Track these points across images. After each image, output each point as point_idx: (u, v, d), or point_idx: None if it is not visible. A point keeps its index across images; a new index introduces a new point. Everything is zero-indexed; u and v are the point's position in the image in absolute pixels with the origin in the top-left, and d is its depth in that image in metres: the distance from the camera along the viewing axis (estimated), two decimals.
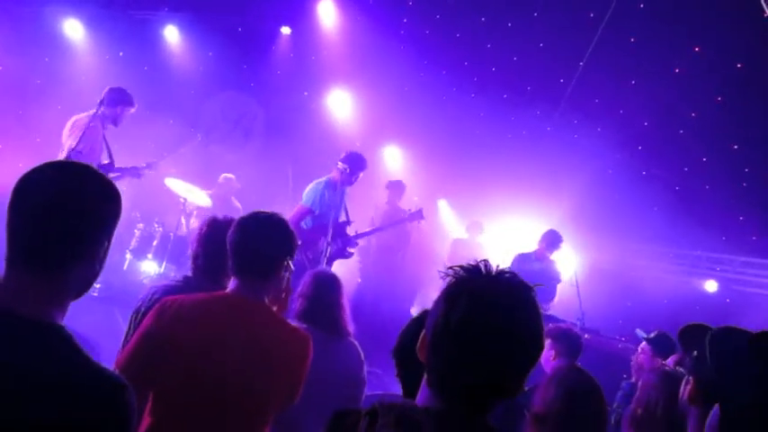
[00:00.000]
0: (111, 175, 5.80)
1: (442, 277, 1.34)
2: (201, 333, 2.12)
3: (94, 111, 5.71)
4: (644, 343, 4.65)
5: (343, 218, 6.00)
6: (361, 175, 6.05)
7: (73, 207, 1.37)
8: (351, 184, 6.00)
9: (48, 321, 1.31)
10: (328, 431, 1.36)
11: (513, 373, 1.28)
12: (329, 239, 5.64)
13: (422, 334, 1.36)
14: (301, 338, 2.32)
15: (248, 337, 2.17)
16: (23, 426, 1.20)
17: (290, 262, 2.33)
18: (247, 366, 2.13)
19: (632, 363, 4.68)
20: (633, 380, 4.56)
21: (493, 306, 1.25)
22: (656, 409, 2.79)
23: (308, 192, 5.99)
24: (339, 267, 7.61)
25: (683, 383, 1.89)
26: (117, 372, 2.03)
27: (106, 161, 5.88)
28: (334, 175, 5.99)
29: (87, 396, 1.26)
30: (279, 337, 2.26)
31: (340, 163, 5.93)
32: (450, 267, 1.33)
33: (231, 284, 2.29)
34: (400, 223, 7.03)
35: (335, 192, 5.93)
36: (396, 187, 7.95)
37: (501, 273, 1.31)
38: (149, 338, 2.12)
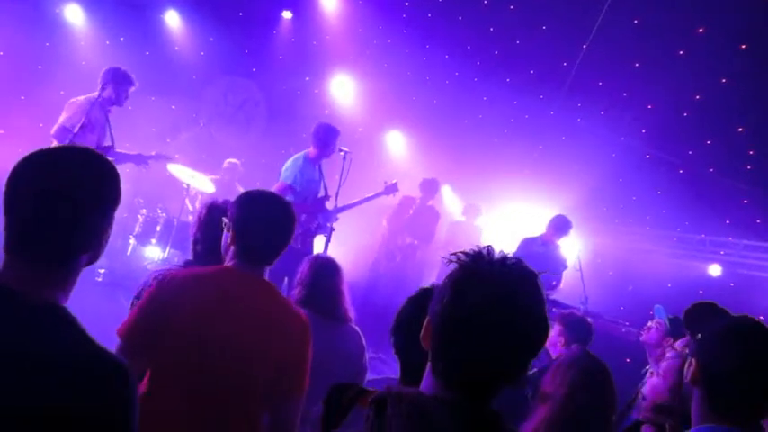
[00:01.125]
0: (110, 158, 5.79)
1: (445, 263, 1.31)
2: (202, 303, 2.12)
3: (95, 94, 5.70)
4: (659, 320, 4.63)
5: (321, 193, 6.02)
6: (337, 146, 6.04)
7: (75, 198, 1.34)
8: (328, 156, 6.02)
9: (50, 303, 1.31)
10: (327, 405, 1.35)
11: (521, 360, 1.27)
12: (320, 221, 5.71)
13: (425, 321, 1.32)
14: (300, 317, 2.30)
15: (248, 308, 2.17)
16: (22, 408, 1.19)
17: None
18: (247, 336, 2.12)
19: (642, 337, 4.66)
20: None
21: (503, 293, 1.23)
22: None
23: (287, 168, 5.97)
24: (357, 260, 7.63)
25: (687, 365, 1.88)
26: (119, 341, 2.06)
27: (108, 143, 5.88)
28: (311, 150, 6.00)
29: (88, 378, 1.25)
30: (278, 309, 2.25)
31: (315, 142, 5.96)
32: (454, 253, 1.30)
33: (231, 260, 2.27)
34: (376, 197, 6.99)
35: (314, 167, 5.95)
36: (428, 185, 7.88)
37: (506, 258, 1.28)
38: (150, 308, 2.12)
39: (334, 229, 6.04)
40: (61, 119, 5.57)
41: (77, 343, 1.29)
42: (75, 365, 1.25)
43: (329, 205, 6.07)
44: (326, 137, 5.98)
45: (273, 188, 5.84)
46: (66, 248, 1.34)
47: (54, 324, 1.29)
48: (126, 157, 6.07)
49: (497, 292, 1.23)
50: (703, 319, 2.27)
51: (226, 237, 2.31)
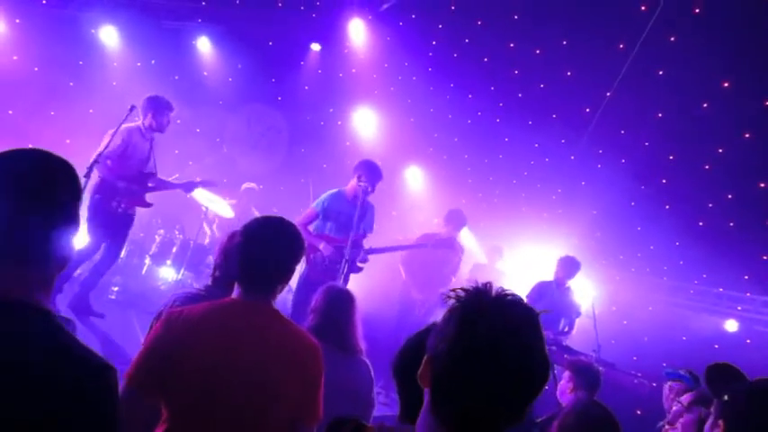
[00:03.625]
0: (150, 184, 5.94)
1: (443, 301, 1.29)
2: (211, 340, 2.11)
3: (137, 123, 5.86)
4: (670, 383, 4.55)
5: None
6: (378, 185, 5.99)
7: (55, 200, 1.36)
8: (368, 194, 5.92)
9: (33, 304, 1.30)
10: None
11: (522, 400, 1.24)
12: (347, 257, 5.61)
13: (424, 360, 1.30)
14: (311, 342, 2.29)
15: (258, 339, 2.15)
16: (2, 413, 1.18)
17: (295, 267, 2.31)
18: (260, 367, 2.11)
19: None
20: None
21: (503, 332, 1.21)
22: None
23: (320, 197, 6.07)
24: (379, 291, 7.56)
25: (711, 425, 1.89)
26: (125, 380, 2.03)
27: (152, 170, 6.03)
28: (349, 187, 5.99)
29: (66, 379, 1.24)
30: (289, 336, 2.23)
31: (355, 177, 5.93)
32: (453, 290, 1.29)
33: (236, 291, 2.26)
34: (418, 248, 6.96)
35: (347, 203, 5.93)
36: (454, 217, 7.81)
37: (504, 295, 1.26)
38: (157, 350, 2.10)
39: (362, 269, 6.00)
40: (100, 147, 5.63)
41: (56, 345, 1.28)
42: (56, 368, 1.24)
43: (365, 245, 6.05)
44: (368, 175, 5.88)
45: (303, 213, 5.97)
46: (47, 249, 1.35)
47: (34, 326, 1.28)
48: (170, 185, 6.19)
49: (498, 331, 1.21)
50: (725, 381, 2.28)
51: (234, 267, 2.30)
